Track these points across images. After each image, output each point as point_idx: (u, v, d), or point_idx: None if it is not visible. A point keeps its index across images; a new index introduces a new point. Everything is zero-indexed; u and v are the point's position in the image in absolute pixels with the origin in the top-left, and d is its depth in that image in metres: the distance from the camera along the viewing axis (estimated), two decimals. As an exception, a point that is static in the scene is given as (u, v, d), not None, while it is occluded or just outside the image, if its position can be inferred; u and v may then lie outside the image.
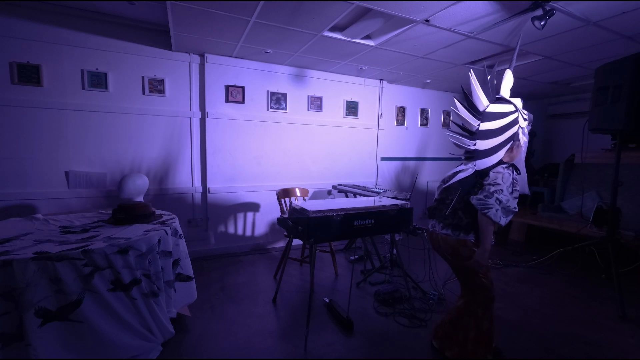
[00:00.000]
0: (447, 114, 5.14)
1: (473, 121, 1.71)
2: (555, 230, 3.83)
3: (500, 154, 1.67)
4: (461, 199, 1.67)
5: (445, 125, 5.14)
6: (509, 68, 1.82)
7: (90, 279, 1.58)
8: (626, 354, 1.99)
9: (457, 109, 1.74)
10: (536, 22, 2.12)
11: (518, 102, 1.76)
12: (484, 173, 1.66)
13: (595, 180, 3.95)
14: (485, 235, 1.57)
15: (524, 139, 1.73)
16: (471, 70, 1.79)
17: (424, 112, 4.92)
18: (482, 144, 1.68)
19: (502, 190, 1.53)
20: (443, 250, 1.78)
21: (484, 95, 1.73)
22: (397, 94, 4.65)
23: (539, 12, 2.10)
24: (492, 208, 1.53)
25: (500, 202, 1.52)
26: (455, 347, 1.82)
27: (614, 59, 2.54)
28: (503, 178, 1.56)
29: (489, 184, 1.57)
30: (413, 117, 4.85)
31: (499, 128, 1.68)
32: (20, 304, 1.44)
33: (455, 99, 1.84)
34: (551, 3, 2.05)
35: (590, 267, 3.36)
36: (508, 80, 1.78)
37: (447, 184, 1.78)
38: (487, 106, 1.72)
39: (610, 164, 3.01)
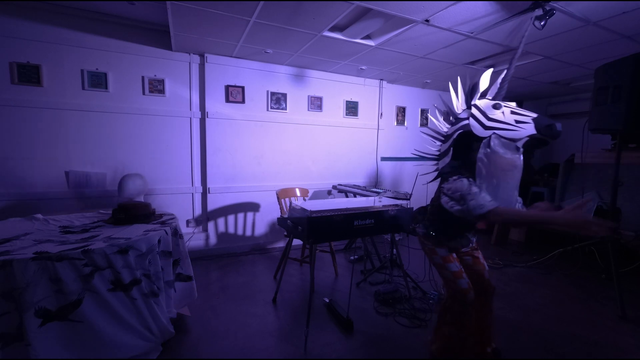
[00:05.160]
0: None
1: (445, 127, 1.68)
2: (555, 230, 3.83)
3: (446, 159, 1.61)
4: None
5: (445, 125, 5.13)
6: (507, 69, 1.71)
7: (90, 279, 1.58)
8: (626, 354, 1.99)
9: (437, 118, 1.72)
10: (536, 22, 2.12)
11: (485, 105, 1.50)
12: (444, 177, 1.58)
13: (595, 180, 3.95)
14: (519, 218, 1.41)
15: (486, 151, 1.44)
16: (458, 77, 1.70)
17: (424, 112, 4.92)
18: (442, 147, 1.68)
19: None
20: None
21: (458, 101, 1.63)
22: (397, 94, 4.65)
23: (539, 12, 2.10)
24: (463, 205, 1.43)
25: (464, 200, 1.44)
26: (437, 342, 1.83)
27: (614, 59, 2.54)
28: (457, 185, 1.45)
29: (454, 197, 1.47)
30: (413, 117, 4.85)
31: (450, 134, 1.61)
32: (20, 304, 1.44)
33: (435, 107, 1.81)
34: (551, 3, 2.05)
35: (590, 267, 3.36)
36: (483, 83, 1.58)
37: None
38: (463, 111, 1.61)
39: (610, 164, 3.01)
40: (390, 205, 2.43)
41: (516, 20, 2.32)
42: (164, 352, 1.86)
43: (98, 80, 2.96)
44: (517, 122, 1.43)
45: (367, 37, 2.88)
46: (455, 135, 1.57)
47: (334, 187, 3.96)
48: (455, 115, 1.64)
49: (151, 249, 1.82)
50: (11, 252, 1.52)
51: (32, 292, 1.46)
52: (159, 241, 1.90)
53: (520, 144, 1.43)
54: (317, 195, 4.13)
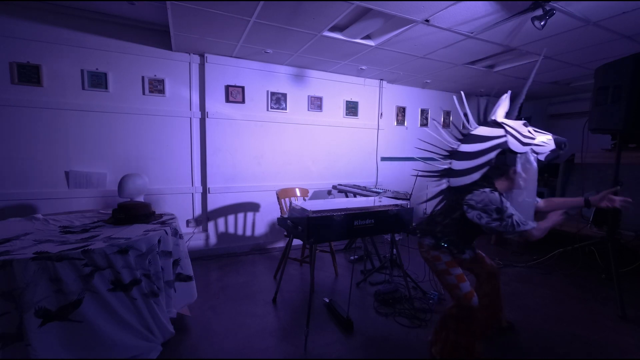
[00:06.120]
0: (447, 113, 5.14)
1: (453, 144, 1.73)
2: (555, 230, 3.83)
3: (474, 177, 1.64)
4: (436, 209, 1.83)
5: (446, 125, 5.13)
6: (520, 95, 1.76)
7: (90, 279, 1.58)
8: (626, 354, 1.99)
9: (439, 133, 1.78)
10: (536, 22, 2.12)
11: (516, 125, 1.68)
12: (461, 190, 1.66)
13: (595, 180, 3.95)
14: (547, 228, 1.61)
15: (526, 166, 1.64)
16: (462, 92, 1.80)
17: (424, 112, 4.92)
18: (457, 164, 1.69)
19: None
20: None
21: (471, 119, 1.73)
22: (397, 94, 4.65)
23: (539, 12, 2.10)
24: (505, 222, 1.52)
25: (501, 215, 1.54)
26: (438, 343, 1.85)
27: (614, 59, 2.54)
28: (489, 198, 1.54)
29: (487, 211, 1.53)
30: (413, 117, 4.85)
31: (476, 152, 1.66)
32: (20, 304, 1.44)
33: (435, 123, 1.86)
34: (551, 3, 2.05)
35: (590, 267, 3.36)
36: (504, 105, 1.75)
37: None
38: (475, 128, 1.71)
39: (610, 164, 3.01)
40: (390, 205, 2.43)
41: (516, 20, 2.31)
42: (164, 352, 1.86)
43: (98, 80, 2.96)
44: (544, 141, 1.68)
45: (367, 37, 2.88)
46: (492, 154, 1.65)
47: (334, 187, 3.96)
48: (465, 132, 1.73)
49: (151, 249, 1.82)
50: (11, 252, 1.53)
51: (32, 292, 1.46)
52: (159, 241, 1.90)
53: (543, 157, 1.68)
54: (317, 195, 4.13)
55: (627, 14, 2.23)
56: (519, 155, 1.64)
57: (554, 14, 2.09)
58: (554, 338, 2.12)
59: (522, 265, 3.42)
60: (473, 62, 3.47)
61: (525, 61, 3.31)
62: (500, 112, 1.73)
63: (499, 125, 1.69)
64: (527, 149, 1.65)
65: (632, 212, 3.45)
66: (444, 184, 1.75)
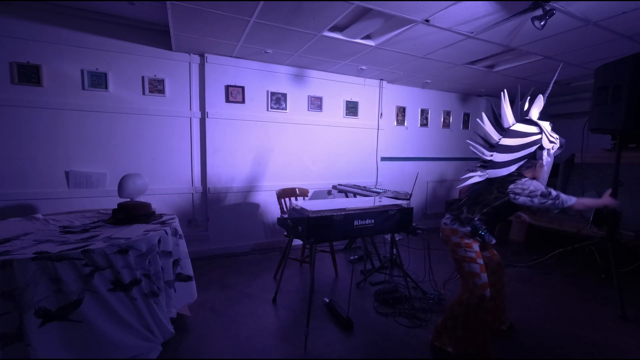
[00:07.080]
0: (447, 113, 5.14)
1: (495, 135, 1.86)
2: (555, 230, 3.83)
3: (512, 168, 1.83)
4: (470, 198, 1.91)
5: (445, 125, 5.13)
6: (543, 95, 1.92)
7: (90, 279, 1.58)
8: (626, 354, 1.99)
9: (483, 123, 1.89)
10: (536, 22, 2.12)
11: (546, 125, 1.88)
12: (500, 181, 1.82)
13: (595, 180, 3.95)
14: (586, 204, 1.82)
15: (547, 159, 1.88)
16: (505, 90, 1.91)
17: (424, 112, 4.92)
18: (498, 157, 1.83)
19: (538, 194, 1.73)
20: (442, 238, 1.97)
21: (511, 115, 1.86)
22: (397, 94, 4.65)
23: (539, 12, 2.10)
24: (554, 202, 1.70)
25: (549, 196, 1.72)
26: (445, 334, 1.90)
27: (614, 59, 2.54)
28: (533, 185, 1.73)
29: (532, 194, 1.70)
30: (413, 117, 4.85)
31: (517, 145, 1.83)
32: (20, 304, 1.44)
33: (483, 113, 1.98)
34: (551, 3, 2.05)
35: (590, 267, 3.36)
36: (539, 105, 1.90)
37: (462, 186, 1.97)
38: (513, 124, 1.86)
39: (610, 164, 3.01)
40: (390, 205, 2.43)
41: (516, 20, 2.31)
42: (164, 352, 1.86)
43: (98, 80, 2.96)
44: (556, 138, 1.91)
45: (367, 37, 2.88)
46: (532, 148, 1.85)
47: (334, 187, 3.96)
48: (503, 127, 1.87)
49: (151, 249, 1.82)
50: (11, 252, 1.53)
51: (32, 292, 1.46)
52: (159, 241, 1.90)
53: (552, 152, 1.91)
54: (317, 195, 4.13)
55: (627, 14, 2.23)
56: (545, 150, 1.87)
57: (554, 14, 2.09)
58: (554, 338, 2.12)
59: (522, 265, 3.42)
60: (473, 62, 3.47)
61: (525, 61, 3.31)
62: (534, 112, 1.90)
63: (534, 123, 1.87)
64: (551, 145, 1.89)
65: (632, 212, 3.46)
66: (484, 176, 1.85)
